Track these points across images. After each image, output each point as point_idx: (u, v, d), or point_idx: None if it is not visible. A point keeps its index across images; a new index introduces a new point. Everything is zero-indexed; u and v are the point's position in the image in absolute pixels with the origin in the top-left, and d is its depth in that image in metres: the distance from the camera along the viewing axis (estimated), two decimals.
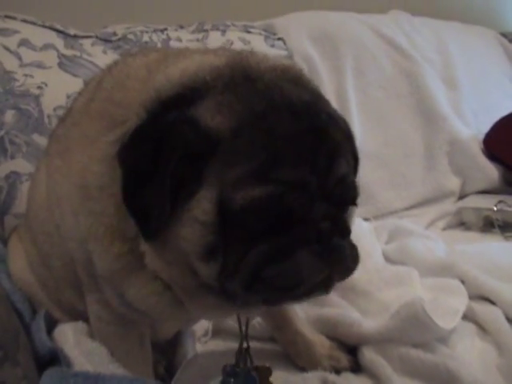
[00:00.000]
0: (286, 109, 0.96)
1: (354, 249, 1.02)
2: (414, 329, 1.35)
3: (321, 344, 1.42)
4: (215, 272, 0.95)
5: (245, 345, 1.30)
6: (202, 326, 1.58)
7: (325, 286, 1.00)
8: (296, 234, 0.93)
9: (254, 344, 1.45)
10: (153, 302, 1.09)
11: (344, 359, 1.40)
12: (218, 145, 0.91)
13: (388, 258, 1.90)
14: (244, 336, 1.30)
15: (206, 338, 1.57)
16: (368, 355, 1.37)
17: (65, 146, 1.18)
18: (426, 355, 1.33)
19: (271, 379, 1.32)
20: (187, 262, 0.97)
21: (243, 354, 1.30)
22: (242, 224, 0.92)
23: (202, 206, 0.92)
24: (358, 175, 1.09)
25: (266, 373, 1.32)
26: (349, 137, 1.07)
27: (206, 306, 1.05)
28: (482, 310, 1.52)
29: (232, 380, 1.29)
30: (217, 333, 1.57)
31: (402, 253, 1.89)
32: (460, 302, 1.53)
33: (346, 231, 1.01)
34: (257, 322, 1.49)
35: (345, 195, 1.00)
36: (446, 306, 1.50)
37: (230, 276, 0.94)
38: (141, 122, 0.98)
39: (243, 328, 1.29)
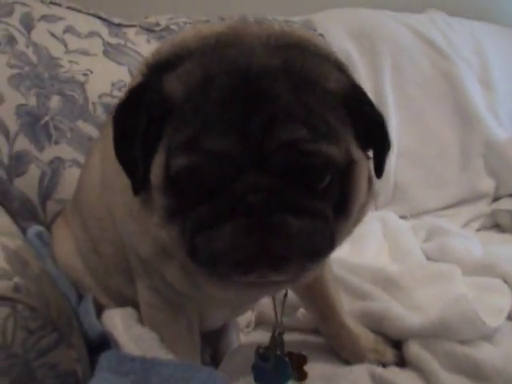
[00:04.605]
0: (237, 73, 0.90)
1: (314, 233, 0.90)
2: (461, 325, 1.35)
3: (365, 337, 1.42)
4: (175, 235, 0.95)
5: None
6: (246, 317, 1.60)
7: (260, 268, 0.90)
8: (221, 205, 0.89)
9: (297, 336, 1.47)
10: (186, 283, 1.09)
11: (389, 353, 1.40)
12: (173, 110, 0.91)
13: (427, 256, 1.90)
14: (278, 321, 1.29)
15: (249, 329, 1.59)
16: (413, 350, 1.37)
17: None
18: (472, 351, 1.33)
19: (306, 368, 1.31)
20: None
21: (277, 338, 1.29)
22: (180, 190, 0.91)
23: (155, 170, 0.94)
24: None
25: (300, 360, 1.32)
26: (331, 106, 0.92)
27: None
28: None
29: (264, 363, 1.28)
30: (259, 324, 1.58)
31: (442, 251, 1.89)
32: (504, 300, 1.52)
33: (294, 206, 0.88)
34: (301, 313, 1.49)
35: (292, 164, 0.88)
36: (490, 305, 1.50)
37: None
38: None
39: (278, 313, 1.29)
